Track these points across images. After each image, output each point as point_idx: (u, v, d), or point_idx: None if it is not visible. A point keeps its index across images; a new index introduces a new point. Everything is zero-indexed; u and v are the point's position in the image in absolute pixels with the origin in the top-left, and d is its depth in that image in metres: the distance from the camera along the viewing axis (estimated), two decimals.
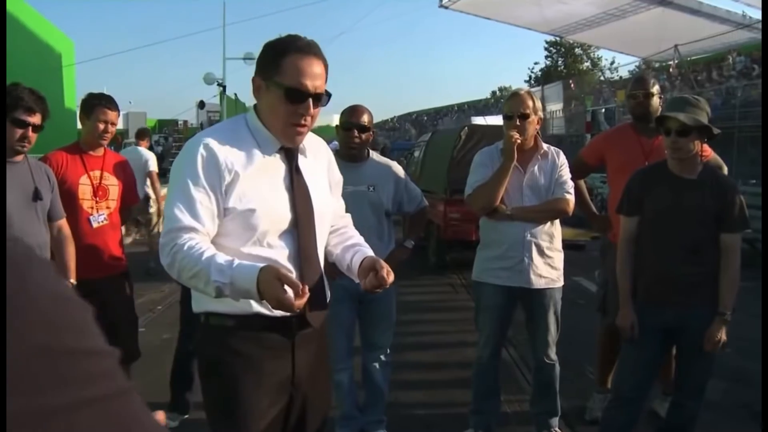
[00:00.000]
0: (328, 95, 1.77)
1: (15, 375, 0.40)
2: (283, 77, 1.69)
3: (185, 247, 1.62)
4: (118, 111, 3.31)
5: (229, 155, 1.70)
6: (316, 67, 1.72)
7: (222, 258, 1.59)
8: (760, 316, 3.13)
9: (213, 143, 1.71)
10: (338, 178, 2.07)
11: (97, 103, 3.22)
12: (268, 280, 1.52)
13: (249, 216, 1.71)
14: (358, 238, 2.04)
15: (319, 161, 1.94)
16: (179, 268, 1.63)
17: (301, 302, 1.52)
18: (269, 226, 1.73)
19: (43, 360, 0.42)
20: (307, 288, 1.54)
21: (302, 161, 1.85)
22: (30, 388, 0.40)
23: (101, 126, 3.21)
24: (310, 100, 1.72)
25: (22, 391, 0.40)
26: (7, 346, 0.40)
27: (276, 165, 1.79)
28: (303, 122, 1.74)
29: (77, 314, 0.49)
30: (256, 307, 1.72)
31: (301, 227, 1.78)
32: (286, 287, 1.52)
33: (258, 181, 1.74)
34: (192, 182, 1.67)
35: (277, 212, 1.75)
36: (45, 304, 0.44)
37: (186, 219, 1.65)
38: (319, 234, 1.86)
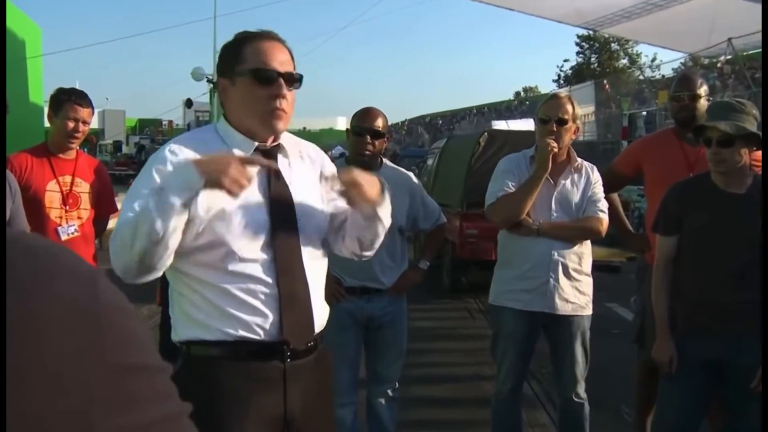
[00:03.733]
0: (300, 78, 1.83)
1: (91, 394, 0.42)
2: (246, 64, 1.76)
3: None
4: (92, 108, 3.29)
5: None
6: (280, 52, 1.80)
7: None
8: None
9: (177, 148, 1.75)
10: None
11: (66, 99, 3.20)
12: (207, 157, 1.59)
13: (218, 225, 1.70)
14: None
15: (307, 164, 1.96)
16: (119, 245, 1.60)
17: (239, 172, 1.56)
18: (242, 236, 1.73)
19: (116, 377, 0.44)
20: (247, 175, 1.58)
21: (284, 163, 1.87)
22: (106, 407, 0.43)
23: (71, 124, 3.19)
24: (281, 80, 1.77)
25: (99, 411, 0.42)
26: (83, 362, 0.43)
27: (250, 169, 1.76)
28: (279, 105, 1.77)
29: (141, 329, 0.52)
30: (242, 331, 1.72)
31: (279, 236, 1.77)
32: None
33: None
34: (147, 188, 1.65)
35: (250, 219, 1.74)
36: (116, 319, 0.47)
37: None
38: (306, 244, 1.84)
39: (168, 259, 1.62)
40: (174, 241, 1.58)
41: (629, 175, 3.67)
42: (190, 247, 1.69)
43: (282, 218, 1.80)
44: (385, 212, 1.90)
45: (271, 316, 1.74)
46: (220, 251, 1.72)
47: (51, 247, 0.49)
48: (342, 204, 1.94)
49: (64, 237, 3.20)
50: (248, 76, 1.75)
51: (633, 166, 3.63)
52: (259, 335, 1.73)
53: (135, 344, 0.49)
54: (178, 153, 1.74)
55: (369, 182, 1.81)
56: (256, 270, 1.74)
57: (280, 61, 1.78)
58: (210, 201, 1.67)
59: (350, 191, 1.79)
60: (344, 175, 1.79)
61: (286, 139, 1.91)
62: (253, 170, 1.77)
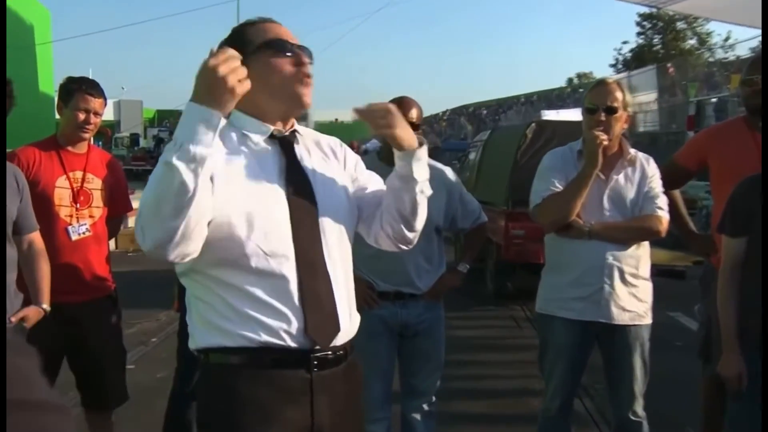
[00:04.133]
0: (311, 54, 1.89)
1: None
2: (257, 41, 1.83)
3: None
4: (104, 98, 3.33)
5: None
6: (283, 29, 1.89)
7: None
8: None
9: None
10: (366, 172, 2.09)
11: (76, 89, 3.24)
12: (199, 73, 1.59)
13: (237, 220, 1.73)
14: None
15: (328, 153, 2.00)
16: (148, 213, 1.61)
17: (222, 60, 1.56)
18: (260, 229, 1.75)
19: None
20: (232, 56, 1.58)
21: (302, 151, 1.91)
22: None
23: (81, 116, 3.22)
24: (299, 50, 1.84)
25: None
26: None
27: (266, 157, 1.84)
28: (307, 71, 1.83)
29: (28, 365, 0.52)
30: (265, 336, 1.74)
31: (298, 228, 1.79)
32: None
33: (244, 177, 1.78)
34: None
35: (266, 211, 1.77)
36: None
37: None
38: (328, 238, 1.85)
39: (203, 228, 1.64)
40: (207, 197, 1.61)
41: (693, 170, 3.60)
42: (207, 243, 1.70)
43: (301, 209, 1.82)
44: (422, 171, 1.90)
45: (294, 320, 1.76)
46: (239, 248, 1.74)
47: None
48: (373, 189, 1.99)
49: (74, 237, 3.23)
50: (264, 50, 1.81)
51: (697, 158, 3.56)
52: (284, 340, 1.75)
53: (18, 380, 0.48)
54: None
55: (404, 125, 1.86)
56: (277, 267, 1.76)
57: (289, 35, 1.87)
58: (226, 195, 1.70)
59: (382, 121, 1.83)
60: (379, 104, 1.84)
61: (302, 130, 1.95)
62: (270, 156, 1.84)
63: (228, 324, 1.75)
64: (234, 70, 1.57)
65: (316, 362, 1.80)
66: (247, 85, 1.60)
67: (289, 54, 1.82)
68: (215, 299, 1.77)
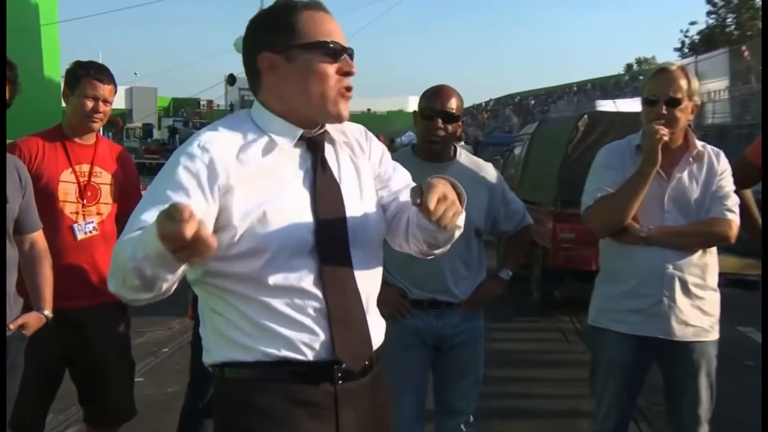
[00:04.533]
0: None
1: None
2: (307, 36, 1.80)
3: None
4: (115, 85, 3.35)
5: (230, 156, 1.75)
6: (335, 24, 1.85)
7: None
8: None
9: (208, 142, 1.76)
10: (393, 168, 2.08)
11: (84, 74, 3.26)
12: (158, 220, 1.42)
13: (257, 230, 1.74)
14: None
15: (357, 152, 1.99)
16: (113, 269, 1.60)
17: (186, 228, 1.34)
18: (284, 242, 1.76)
19: None
20: (187, 212, 1.34)
21: (330, 153, 1.91)
22: None
23: (89, 104, 3.24)
24: (347, 55, 1.83)
25: None
26: None
27: (292, 161, 1.84)
28: (349, 85, 1.84)
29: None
30: (286, 351, 1.76)
31: (326, 241, 1.81)
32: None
33: (267, 184, 1.78)
34: (171, 190, 1.68)
35: (293, 222, 1.78)
36: None
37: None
38: (357, 250, 1.87)
39: (174, 285, 1.63)
40: (178, 275, 1.58)
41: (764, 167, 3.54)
42: (224, 257, 1.73)
43: (329, 220, 1.83)
44: (461, 218, 1.86)
45: (320, 334, 1.79)
46: (260, 260, 1.75)
47: None
48: (398, 188, 2.00)
49: (80, 236, 3.26)
50: (313, 50, 1.79)
51: None
52: (306, 355, 1.77)
53: None
54: (210, 149, 1.74)
55: (451, 201, 1.73)
56: (301, 281, 1.78)
57: (340, 35, 1.84)
58: (246, 204, 1.73)
59: (428, 213, 1.70)
60: (428, 195, 1.68)
61: (331, 126, 1.92)
62: (297, 159, 1.84)
63: (246, 338, 1.78)
64: (193, 254, 1.40)
65: (340, 374, 1.82)
66: (212, 249, 1.42)
67: (338, 59, 1.81)
68: (232, 311, 1.80)
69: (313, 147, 1.87)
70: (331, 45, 1.80)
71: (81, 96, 3.25)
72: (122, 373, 3.45)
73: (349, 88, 1.84)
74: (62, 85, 3.46)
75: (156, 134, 41.70)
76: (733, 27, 44.59)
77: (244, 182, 1.74)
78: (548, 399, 5.53)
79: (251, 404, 1.79)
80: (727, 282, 3.21)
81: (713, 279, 3.09)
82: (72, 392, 3.42)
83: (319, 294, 1.79)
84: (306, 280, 1.78)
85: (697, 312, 3.03)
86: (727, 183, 3.06)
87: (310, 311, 1.79)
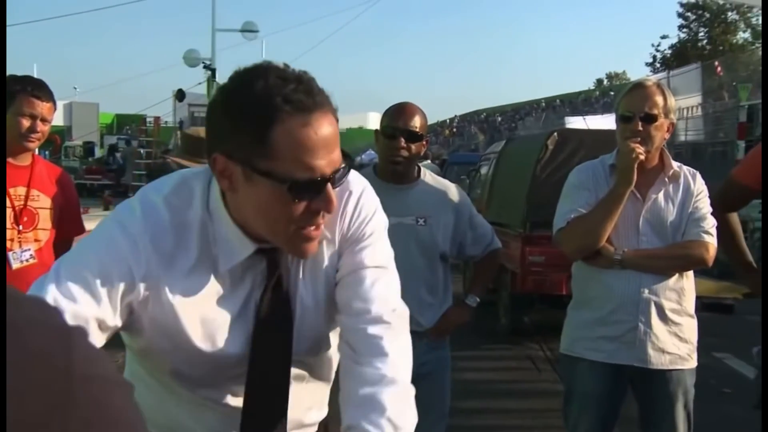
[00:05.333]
0: (348, 160, 1.54)
1: None
2: (279, 162, 1.41)
3: None
4: (54, 102, 3.30)
5: (165, 255, 1.51)
6: (326, 127, 1.44)
7: None
8: None
9: (140, 236, 1.49)
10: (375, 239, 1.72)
11: (20, 90, 3.18)
12: None
13: (172, 346, 1.56)
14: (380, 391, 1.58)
15: (326, 253, 1.66)
16: None
17: None
18: (207, 370, 1.61)
19: None
20: None
21: (292, 266, 1.63)
22: None
23: (26, 123, 3.17)
24: (329, 185, 1.46)
25: None
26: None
27: (233, 278, 1.58)
28: (318, 224, 1.50)
29: (124, 402, 0.58)
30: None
31: (258, 373, 1.62)
32: None
33: (200, 302, 1.55)
34: (97, 262, 1.47)
35: (218, 350, 1.58)
36: (93, 392, 0.52)
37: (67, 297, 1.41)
38: (305, 368, 1.73)
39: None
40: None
41: (755, 188, 3.50)
42: (135, 349, 1.65)
43: (264, 351, 1.62)
44: None
45: None
46: (175, 378, 1.64)
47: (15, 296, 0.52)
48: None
49: (16, 265, 3.19)
50: (279, 185, 1.42)
51: (757, 174, 3.48)
52: None
53: (113, 423, 0.52)
54: (140, 245, 1.48)
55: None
56: (220, 400, 1.67)
57: (327, 148, 1.44)
58: (166, 322, 1.53)
59: None
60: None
61: None
62: (243, 278, 1.58)
63: (152, 417, 1.59)
64: None
65: None
66: None
67: (309, 199, 1.45)
68: (142, 386, 1.62)
69: (272, 265, 1.59)
70: (305, 183, 1.42)
71: (17, 114, 3.16)
72: None
73: (318, 226, 1.50)
74: None
75: (98, 153, 41.13)
76: (705, 41, 45.62)
77: (168, 298, 1.51)
78: (518, 431, 5.55)
79: None
80: (702, 306, 3.24)
81: (690, 304, 3.13)
82: None
83: (237, 419, 1.65)
84: (224, 401, 1.67)
85: (674, 339, 3.05)
86: (704, 204, 3.11)
87: (222, 416, 1.67)
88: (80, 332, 0.54)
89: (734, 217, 3.47)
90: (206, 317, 1.55)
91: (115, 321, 1.47)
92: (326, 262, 1.65)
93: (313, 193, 1.44)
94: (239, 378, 1.61)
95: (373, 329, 1.61)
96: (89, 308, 1.41)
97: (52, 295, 1.39)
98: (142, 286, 1.48)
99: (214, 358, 1.58)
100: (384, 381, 1.56)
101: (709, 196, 3.17)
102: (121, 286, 1.45)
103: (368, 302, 1.63)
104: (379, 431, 1.49)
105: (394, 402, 1.55)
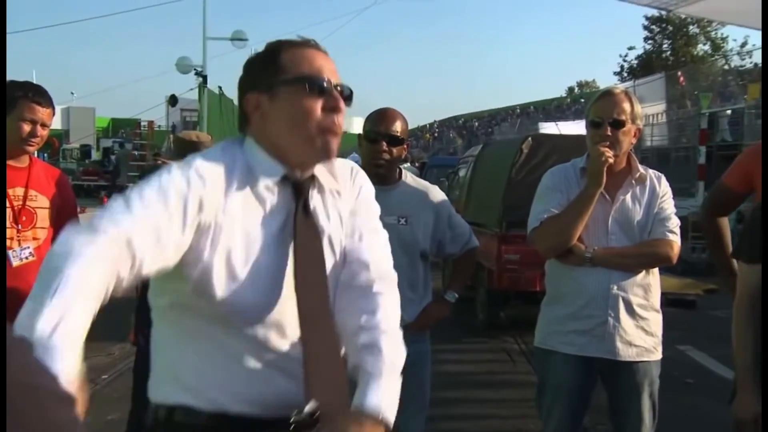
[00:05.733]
0: (351, 94, 1.78)
1: None
2: (291, 71, 1.70)
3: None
4: (52, 107, 3.26)
5: (220, 192, 1.65)
6: (328, 61, 1.76)
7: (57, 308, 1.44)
8: None
9: (204, 170, 1.65)
10: (374, 210, 1.97)
11: (21, 96, 3.14)
12: None
13: (232, 276, 1.65)
14: (385, 339, 1.82)
15: (345, 198, 1.88)
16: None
17: None
18: (260, 289, 1.69)
19: None
20: None
21: (318, 201, 1.80)
22: None
23: (27, 128, 3.14)
24: (336, 91, 1.72)
25: None
26: None
27: (276, 204, 1.73)
28: (337, 120, 1.72)
29: (64, 416, 0.59)
30: (248, 407, 1.70)
31: (303, 291, 1.71)
32: None
33: (247, 228, 1.68)
34: (155, 202, 1.56)
35: (270, 267, 1.70)
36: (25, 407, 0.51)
37: (117, 221, 1.50)
38: (337, 299, 1.81)
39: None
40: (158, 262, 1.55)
41: (743, 192, 3.44)
42: (194, 292, 1.65)
43: (308, 272, 1.73)
44: None
45: (289, 392, 1.70)
46: (231, 306, 1.66)
47: None
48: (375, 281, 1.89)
49: (16, 262, 3.16)
50: (296, 84, 1.69)
51: (744, 178, 3.38)
52: (268, 412, 1.70)
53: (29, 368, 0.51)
54: (206, 180, 1.63)
55: None
56: (275, 336, 1.71)
57: (330, 70, 1.74)
58: (223, 247, 1.63)
59: None
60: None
61: (321, 170, 1.81)
62: (281, 203, 1.72)
63: (207, 387, 1.69)
64: None
65: (292, 426, 1.72)
66: None
67: (324, 94, 1.70)
68: (194, 353, 1.71)
69: (298, 192, 1.74)
70: (316, 79, 1.69)
71: (18, 119, 3.13)
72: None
73: (335, 125, 1.72)
74: None
75: (94, 155, 40.82)
76: (669, 53, 45.91)
77: (226, 223, 1.64)
78: (495, 420, 5.54)
79: None
80: (666, 302, 3.26)
81: (656, 299, 3.15)
82: None
83: (293, 352, 1.71)
84: (280, 336, 1.71)
85: (641, 332, 3.07)
86: (669, 205, 3.13)
87: (282, 368, 1.71)
88: (21, 344, 0.52)
89: (723, 221, 3.46)
90: (256, 235, 1.69)
91: (184, 237, 1.58)
92: (340, 210, 1.85)
93: (325, 91, 1.70)
94: (287, 313, 1.70)
95: (377, 286, 1.86)
96: (156, 220, 1.53)
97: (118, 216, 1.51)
98: (208, 213, 1.62)
99: (267, 279, 1.69)
100: (381, 329, 1.81)
101: (673, 197, 3.20)
102: (188, 207, 1.58)
103: (375, 260, 1.89)
104: (379, 369, 1.78)
105: (389, 347, 1.82)
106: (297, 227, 1.72)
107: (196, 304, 1.67)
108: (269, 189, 1.72)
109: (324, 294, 1.77)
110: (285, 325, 1.71)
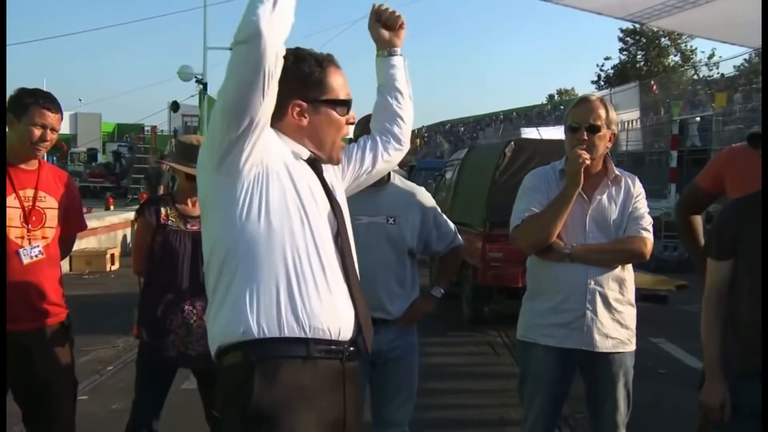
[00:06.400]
0: None
1: None
2: (333, 93, 2.12)
3: None
4: (61, 113, 3.25)
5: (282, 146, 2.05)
6: (344, 77, 2.17)
7: None
8: None
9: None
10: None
11: (32, 102, 3.13)
12: None
13: (293, 218, 1.95)
14: None
15: (338, 173, 2.28)
16: None
17: None
18: (318, 231, 1.99)
19: None
20: None
21: (328, 173, 2.18)
22: None
23: (37, 132, 3.13)
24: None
25: None
26: None
27: (311, 172, 2.09)
28: (347, 134, 2.20)
29: None
30: (326, 327, 1.94)
31: (340, 236, 2.06)
32: None
33: (301, 185, 2.02)
34: None
35: (320, 216, 2.02)
36: None
37: None
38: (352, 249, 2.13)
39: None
40: None
41: (713, 192, 3.51)
42: (273, 231, 1.92)
43: (340, 221, 2.09)
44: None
45: (350, 315, 2.02)
46: (300, 240, 1.95)
47: None
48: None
49: (26, 260, 3.14)
50: (338, 107, 2.13)
51: (715, 180, 3.45)
52: (339, 335, 1.97)
53: None
54: (278, 139, 2.07)
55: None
56: (333, 263, 2.02)
57: (346, 84, 2.18)
58: (289, 176, 1.99)
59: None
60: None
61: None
62: (312, 174, 2.08)
63: (288, 314, 1.91)
64: None
65: (347, 354, 2.01)
66: None
67: (347, 113, 2.16)
68: (273, 288, 1.91)
69: (316, 166, 2.11)
70: (349, 103, 2.15)
71: (29, 124, 3.11)
72: (65, 390, 3.32)
73: (344, 136, 2.19)
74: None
75: (101, 158, 40.66)
76: (642, 63, 46.10)
77: (288, 163, 2.01)
78: (478, 409, 5.54)
79: (280, 378, 1.88)
80: (640, 297, 3.27)
81: (631, 294, 3.15)
82: (15, 411, 3.29)
83: (343, 278, 2.03)
84: (335, 263, 2.02)
85: (617, 325, 3.08)
86: (642, 205, 3.14)
87: (343, 293, 2.01)
88: None
89: (696, 219, 3.50)
90: (306, 179, 2.05)
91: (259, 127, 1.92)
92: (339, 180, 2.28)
93: (347, 110, 2.17)
94: (335, 243, 2.05)
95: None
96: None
97: None
98: (276, 152, 2.00)
99: (320, 221, 2.02)
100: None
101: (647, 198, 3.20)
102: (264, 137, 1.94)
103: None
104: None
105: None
106: (329, 195, 2.10)
107: (271, 241, 1.97)
108: (303, 159, 2.09)
109: (349, 241, 2.11)
110: (336, 258, 2.05)
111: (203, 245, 2.05)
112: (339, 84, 2.13)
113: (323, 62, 2.11)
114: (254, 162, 1.92)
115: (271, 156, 1.97)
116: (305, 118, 2.09)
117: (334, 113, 2.13)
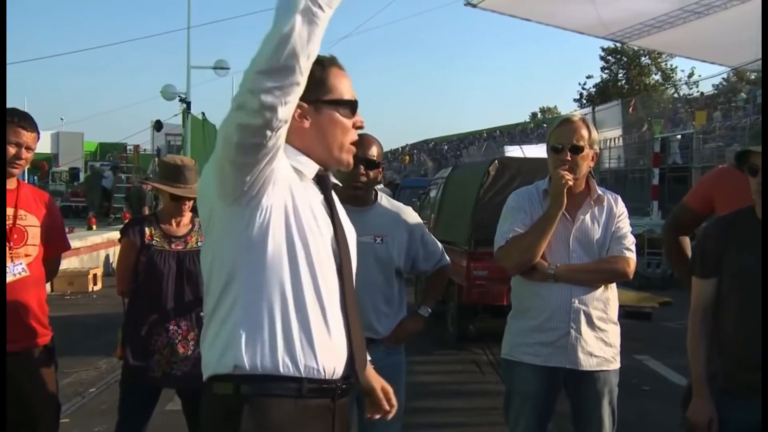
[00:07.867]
0: None
1: None
2: (334, 93, 2.03)
3: None
4: (37, 132, 3.25)
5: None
6: (349, 80, 2.09)
7: None
8: None
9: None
10: None
11: (8, 121, 3.15)
12: None
13: (293, 248, 1.87)
14: None
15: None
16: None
17: None
18: (318, 260, 1.91)
19: None
20: None
21: (334, 194, 2.11)
22: None
23: (12, 150, 3.14)
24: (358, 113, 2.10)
25: None
26: None
27: (316, 193, 2.02)
28: (354, 140, 2.08)
29: None
30: (320, 366, 1.88)
31: (343, 265, 1.98)
32: None
33: (307, 200, 1.95)
34: None
35: (322, 243, 1.94)
36: None
37: None
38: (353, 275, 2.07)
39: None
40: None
41: (702, 213, 3.47)
42: (271, 260, 1.86)
43: (344, 246, 2.02)
44: None
45: (344, 354, 1.96)
46: (298, 272, 1.87)
47: None
48: None
49: (10, 278, 3.13)
50: (338, 106, 2.03)
51: (705, 200, 3.42)
52: (331, 374, 1.91)
53: None
54: (286, 164, 1.93)
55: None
56: (332, 299, 1.94)
57: (351, 87, 2.09)
58: (291, 204, 1.89)
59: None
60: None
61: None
62: (317, 194, 2.02)
63: (284, 353, 1.85)
64: None
65: (339, 391, 1.96)
66: None
67: (353, 116, 2.06)
68: (272, 322, 1.86)
69: (323, 185, 2.06)
70: (354, 103, 2.06)
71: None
72: (47, 413, 3.29)
73: (353, 141, 2.08)
74: None
75: (82, 178, 40.38)
76: (623, 82, 46.57)
77: (293, 189, 1.91)
78: (464, 427, 5.54)
79: (272, 418, 1.84)
80: (624, 314, 3.28)
81: (614, 312, 3.17)
82: None
83: (342, 315, 1.96)
84: (335, 294, 1.95)
85: (601, 343, 3.09)
86: (625, 224, 3.17)
87: (339, 328, 1.94)
88: None
89: (685, 241, 3.46)
90: (312, 211, 1.95)
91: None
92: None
93: (355, 111, 2.07)
94: (336, 276, 1.97)
95: None
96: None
97: None
98: (282, 177, 1.88)
99: (323, 248, 1.94)
100: None
101: (630, 217, 3.23)
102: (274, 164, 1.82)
103: None
104: None
105: None
106: (333, 216, 2.03)
107: (270, 272, 1.89)
108: (308, 177, 2.02)
109: (351, 273, 2.04)
110: (336, 293, 1.97)
111: (202, 266, 2.00)
112: (342, 84, 2.05)
113: (324, 62, 2.03)
114: (262, 192, 1.84)
115: (278, 184, 1.86)
116: (307, 120, 2.01)
117: (338, 114, 2.03)
